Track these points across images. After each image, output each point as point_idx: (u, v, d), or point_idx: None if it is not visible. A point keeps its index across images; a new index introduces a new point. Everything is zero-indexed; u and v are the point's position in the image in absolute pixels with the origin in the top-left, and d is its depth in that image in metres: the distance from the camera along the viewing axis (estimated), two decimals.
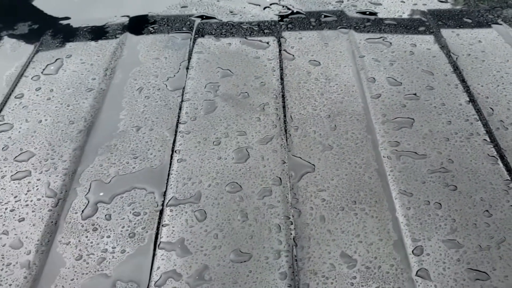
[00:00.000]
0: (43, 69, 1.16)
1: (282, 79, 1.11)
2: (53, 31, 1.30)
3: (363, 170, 0.88)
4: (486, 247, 0.75)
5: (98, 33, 1.29)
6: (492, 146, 0.92)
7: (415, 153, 0.91)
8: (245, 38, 1.25)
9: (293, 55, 1.18)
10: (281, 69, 1.14)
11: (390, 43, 1.20)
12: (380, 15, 1.32)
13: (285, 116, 1.01)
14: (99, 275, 0.73)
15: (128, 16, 1.36)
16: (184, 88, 1.09)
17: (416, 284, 0.71)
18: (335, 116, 1.00)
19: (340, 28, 1.27)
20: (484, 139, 0.93)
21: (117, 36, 1.27)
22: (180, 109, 1.03)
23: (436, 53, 1.17)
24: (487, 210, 0.80)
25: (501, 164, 0.88)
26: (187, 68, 1.15)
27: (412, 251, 0.75)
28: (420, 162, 0.89)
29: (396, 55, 1.16)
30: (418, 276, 0.72)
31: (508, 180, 0.85)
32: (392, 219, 0.80)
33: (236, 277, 0.72)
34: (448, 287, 0.70)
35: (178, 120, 1.00)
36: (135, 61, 1.18)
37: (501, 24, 1.27)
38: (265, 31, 1.27)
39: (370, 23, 1.29)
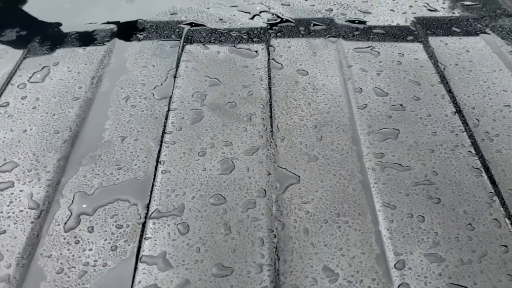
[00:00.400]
0: (30, 77, 1.15)
1: (270, 88, 1.11)
2: (41, 38, 1.30)
3: (347, 181, 0.88)
4: (468, 261, 0.75)
5: (86, 40, 1.29)
6: (477, 158, 0.92)
7: (400, 164, 0.91)
8: (234, 46, 1.25)
9: (282, 64, 1.18)
10: (269, 78, 1.14)
11: (378, 52, 1.21)
12: (369, 24, 1.32)
13: (272, 126, 1.01)
14: None
15: (117, 22, 1.35)
16: (171, 97, 1.09)
17: None
18: (321, 126, 1.00)
19: (329, 37, 1.27)
20: (469, 151, 0.93)
21: (105, 43, 1.26)
22: (166, 118, 1.03)
23: (423, 62, 1.17)
24: (470, 224, 0.80)
25: (485, 177, 0.88)
26: (175, 77, 1.14)
27: (394, 265, 0.75)
28: (404, 174, 0.89)
29: (383, 64, 1.16)
30: None
31: (491, 193, 0.85)
32: (375, 232, 0.80)
33: None
34: None
35: (164, 130, 1.00)
36: (122, 69, 1.18)
37: (489, 34, 1.27)
38: (254, 39, 1.27)
39: (358, 32, 1.29)
